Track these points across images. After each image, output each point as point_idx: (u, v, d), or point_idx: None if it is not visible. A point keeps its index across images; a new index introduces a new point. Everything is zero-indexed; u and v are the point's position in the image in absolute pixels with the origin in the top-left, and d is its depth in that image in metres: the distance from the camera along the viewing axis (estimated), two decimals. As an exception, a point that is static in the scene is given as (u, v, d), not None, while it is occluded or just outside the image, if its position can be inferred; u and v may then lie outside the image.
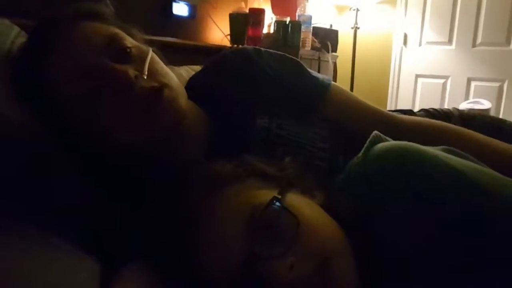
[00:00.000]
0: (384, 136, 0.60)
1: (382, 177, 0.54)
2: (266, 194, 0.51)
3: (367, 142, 0.59)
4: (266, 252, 0.47)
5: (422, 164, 0.52)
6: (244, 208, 0.50)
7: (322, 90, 0.80)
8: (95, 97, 0.60)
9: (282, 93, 0.77)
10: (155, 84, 0.62)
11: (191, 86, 0.79)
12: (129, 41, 0.65)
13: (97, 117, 0.61)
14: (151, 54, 0.66)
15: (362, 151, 0.59)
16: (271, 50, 0.82)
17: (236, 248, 0.47)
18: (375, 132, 0.61)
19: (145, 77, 0.61)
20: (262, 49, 0.81)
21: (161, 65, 0.68)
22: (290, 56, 0.83)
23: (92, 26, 0.64)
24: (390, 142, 0.58)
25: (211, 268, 0.49)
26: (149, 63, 0.63)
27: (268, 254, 0.46)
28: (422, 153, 0.53)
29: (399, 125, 0.79)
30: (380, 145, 0.57)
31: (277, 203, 0.49)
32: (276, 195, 0.50)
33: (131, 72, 0.60)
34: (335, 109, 0.80)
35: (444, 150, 0.57)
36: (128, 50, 0.63)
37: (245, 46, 0.82)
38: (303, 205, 0.53)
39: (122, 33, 0.66)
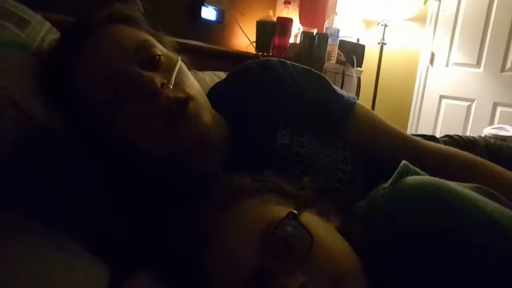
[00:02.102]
0: (413, 167, 0.58)
1: (409, 213, 0.52)
2: (281, 210, 0.50)
3: (396, 172, 0.57)
4: (277, 268, 0.46)
5: (453, 206, 0.50)
6: (258, 221, 0.49)
7: (346, 109, 0.77)
8: (119, 102, 0.60)
9: (306, 109, 0.75)
10: (181, 95, 0.61)
11: (213, 94, 0.79)
12: (159, 49, 0.65)
13: (119, 122, 0.61)
14: (179, 63, 0.65)
15: (390, 182, 0.56)
16: (296, 64, 0.80)
17: (247, 262, 0.47)
18: (404, 162, 0.58)
19: (171, 87, 0.60)
20: (288, 62, 0.79)
21: (189, 76, 0.67)
22: (316, 71, 0.81)
23: (123, 31, 0.64)
24: (421, 177, 0.55)
25: (221, 280, 0.49)
26: (177, 73, 0.63)
27: (279, 270, 0.46)
28: (453, 194, 0.51)
29: (424, 151, 0.76)
30: (410, 179, 0.55)
31: (293, 219, 0.49)
32: (293, 211, 0.49)
33: (158, 80, 0.60)
34: (358, 129, 0.78)
35: (477, 190, 0.54)
36: (157, 57, 0.63)
37: (271, 57, 0.80)
38: (318, 225, 0.52)
39: (152, 40, 0.65)
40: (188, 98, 0.62)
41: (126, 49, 0.62)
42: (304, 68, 0.80)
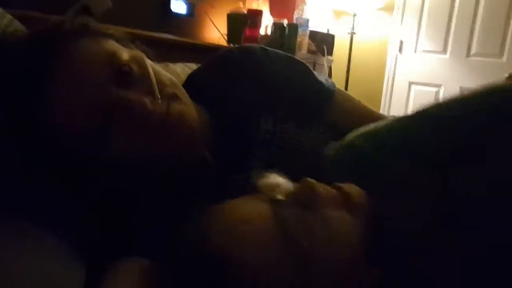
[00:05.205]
0: None
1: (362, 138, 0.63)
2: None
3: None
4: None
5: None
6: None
7: (327, 95, 0.79)
8: (107, 130, 0.56)
9: (287, 95, 0.75)
10: (167, 103, 0.59)
11: (192, 81, 0.77)
12: (125, 55, 0.60)
13: (108, 145, 0.57)
14: (150, 66, 0.62)
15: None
16: (278, 51, 0.80)
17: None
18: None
19: (160, 101, 0.58)
20: (269, 48, 0.79)
21: (158, 69, 0.64)
22: (298, 58, 0.82)
23: (88, 50, 0.58)
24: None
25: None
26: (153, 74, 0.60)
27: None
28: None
29: None
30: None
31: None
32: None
33: (147, 100, 0.57)
34: (340, 115, 0.79)
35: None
36: (129, 69, 0.59)
37: (252, 44, 0.80)
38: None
39: (115, 46, 0.61)
40: (173, 97, 0.60)
41: (99, 73, 0.56)
42: (286, 54, 0.80)
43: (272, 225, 0.45)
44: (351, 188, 0.52)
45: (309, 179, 0.50)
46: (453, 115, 0.56)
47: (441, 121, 0.57)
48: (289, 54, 0.81)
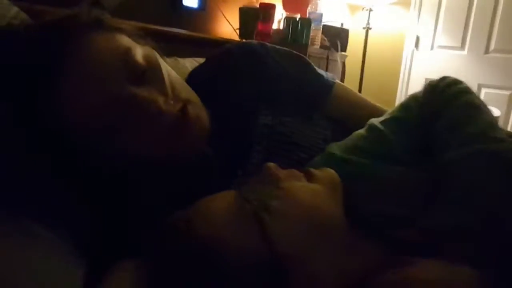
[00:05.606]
0: None
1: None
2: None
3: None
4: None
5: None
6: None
7: (326, 88, 0.80)
8: (120, 126, 0.56)
9: (287, 89, 0.76)
10: (180, 105, 0.60)
11: (194, 78, 0.78)
12: (138, 51, 0.60)
13: (119, 142, 0.57)
14: (164, 67, 0.62)
15: None
16: (277, 46, 0.81)
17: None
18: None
19: (172, 102, 0.58)
20: (268, 44, 0.80)
21: (173, 73, 0.64)
22: (296, 52, 0.82)
23: (101, 45, 0.57)
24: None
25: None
26: (166, 76, 0.61)
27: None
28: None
29: None
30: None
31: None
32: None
33: (159, 99, 0.57)
34: (339, 108, 0.80)
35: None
36: (143, 69, 0.58)
37: (251, 40, 0.80)
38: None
39: (129, 43, 0.60)
40: (186, 103, 0.60)
41: (114, 68, 0.56)
42: (284, 49, 0.81)
43: (234, 202, 0.49)
44: (324, 169, 0.57)
45: (269, 163, 0.54)
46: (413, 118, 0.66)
47: (411, 125, 0.66)
48: (287, 49, 0.82)
